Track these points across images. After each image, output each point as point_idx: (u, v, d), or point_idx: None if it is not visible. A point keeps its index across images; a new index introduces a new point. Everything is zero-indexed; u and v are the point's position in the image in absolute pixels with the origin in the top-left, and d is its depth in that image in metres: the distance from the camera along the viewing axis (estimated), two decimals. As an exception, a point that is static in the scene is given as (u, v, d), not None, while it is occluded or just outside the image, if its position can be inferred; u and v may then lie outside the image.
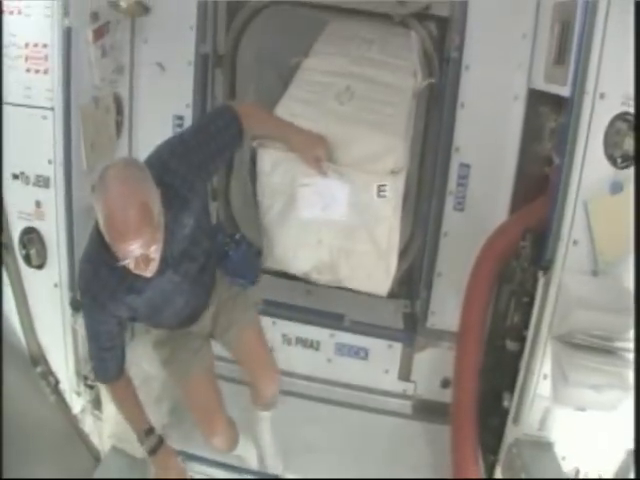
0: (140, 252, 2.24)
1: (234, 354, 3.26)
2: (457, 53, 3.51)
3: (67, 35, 2.98)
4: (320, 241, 2.97)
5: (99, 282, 2.53)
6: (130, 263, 2.29)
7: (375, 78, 3.21)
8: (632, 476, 2.86)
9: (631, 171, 2.59)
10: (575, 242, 2.76)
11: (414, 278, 4.14)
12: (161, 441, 3.04)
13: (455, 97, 3.57)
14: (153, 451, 3.01)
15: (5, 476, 3.03)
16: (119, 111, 3.66)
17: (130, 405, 3.00)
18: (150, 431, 3.00)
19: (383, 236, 2.91)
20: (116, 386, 2.93)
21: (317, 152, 2.74)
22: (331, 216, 2.88)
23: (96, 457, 3.78)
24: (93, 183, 2.42)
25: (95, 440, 3.79)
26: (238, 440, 3.41)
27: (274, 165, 2.85)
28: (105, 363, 2.83)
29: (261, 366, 3.24)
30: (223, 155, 2.73)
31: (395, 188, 2.80)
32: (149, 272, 2.36)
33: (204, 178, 2.66)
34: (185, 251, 2.61)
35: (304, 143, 2.76)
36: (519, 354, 3.15)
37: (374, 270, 3.03)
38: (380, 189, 2.76)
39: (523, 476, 2.98)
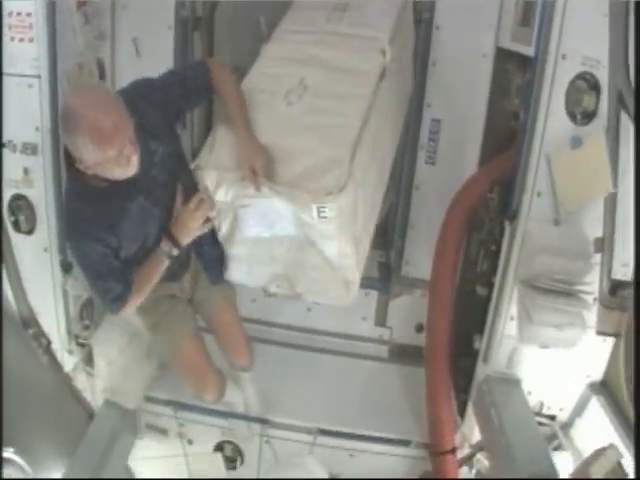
0: (120, 148, 2.32)
1: (209, 326, 3.41)
2: (428, 14, 3.60)
3: (51, 4, 3.00)
4: (273, 257, 2.79)
5: (82, 216, 2.57)
6: (111, 167, 2.38)
7: (336, 63, 2.97)
8: (590, 409, 3.09)
9: (590, 127, 2.73)
10: (539, 194, 2.91)
11: (388, 229, 4.25)
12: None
13: (427, 56, 3.67)
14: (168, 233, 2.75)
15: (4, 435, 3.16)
16: (102, 76, 3.67)
17: (149, 279, 2.85)
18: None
19: (332, 254, 2.68)
20: (132, 301, 2.83)
21: (254, 164, 2.51)
22: (279, 233, 2.68)
23: (89, 412, 3.91)
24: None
25: (88, 396, 3.90)
26: (225, 388, 3.57)
27: (216, 186, 2.61)
28: (113, 291, 2.75)
29: (234, 343, 3.44)
30: (188, 101, 2.78)
31: (338, 208, 2.49)
32: (130, 170, 2.44)
33: (169, 118, 2.72)
34: (156, 178, 2.66)
35: (244, 150, 2.58)
36: (488, 298, 3.33)
37: (331, 284, 2.82)
38: (320, 210, 2.48)
39: (492, 411, 3.17)
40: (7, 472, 3.16)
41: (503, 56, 3.53)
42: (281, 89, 2.84)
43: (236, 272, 2.93)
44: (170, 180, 2.75)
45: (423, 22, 3.62)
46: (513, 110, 3.50)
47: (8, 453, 3.15)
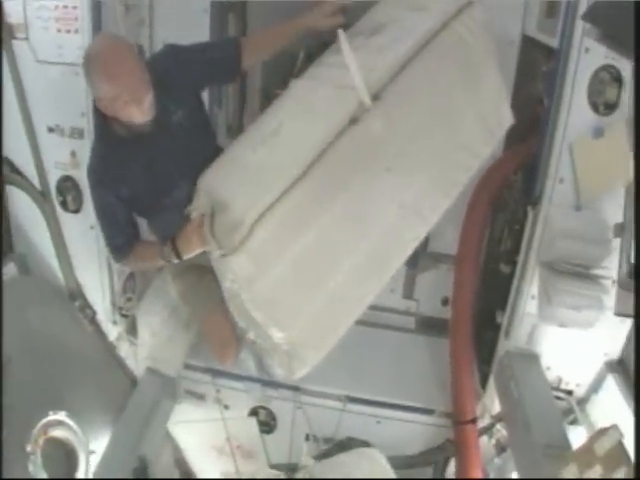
0: (131, 86, 2.52)
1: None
2: None
3: None
4: None
5: (100, 163, 2.80)
6: (125, 106, 2.56)
7: (307, 102, 2.70)
8: (605, 387, 3.19)
9: (611, 118, 2.78)
10: (561, 180, 3.00)
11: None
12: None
13: None
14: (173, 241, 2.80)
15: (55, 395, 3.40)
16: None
17: (147, 261, 3.04)
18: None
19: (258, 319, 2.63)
20: (130, 260, 3.01)
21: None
22: None
23: (132, 379, 4.13)
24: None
25: (131, 363, 4.12)
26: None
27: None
28: (114, 240, 2.94)
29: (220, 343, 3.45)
30: (214, 68, 2.91)
31: (232, 271, 2.49)
32: (144, 113, 2.62)
33: (192, 81, 2.86)
34: (174, 137, 2.80)
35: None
36: (511, 276, 3.44)
37: (274, 349, 2.77)
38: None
39: (512, 384, 3.30)
40: (60, 433, 3.40)
41: (529, 43, 3.56)
42: (265, 132, 2.67)
43: None
44: (190, 144, 2.86)
45: None
46: (538, 95, 3.53)
47: (61, 416, 3.40)
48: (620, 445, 2.35)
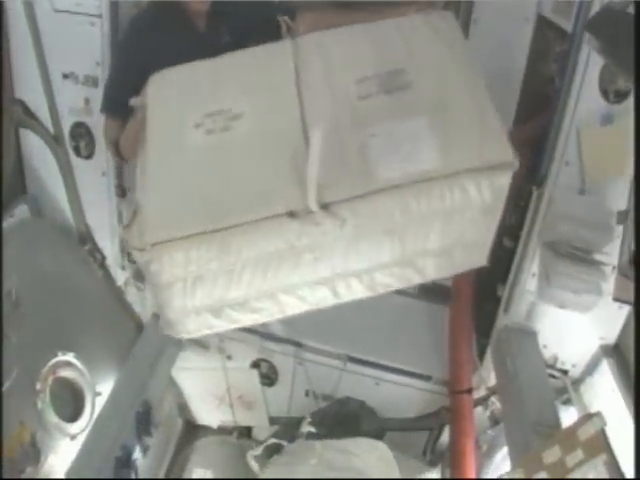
0: None
1: None
2: None
3: None
4: None
5: (151, 29, 2.88)
6: None
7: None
8: (600, 370, 3.21)
9: (621, 107, 2.74)
10: (567, 163, 2.97)
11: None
12: None
13: (469, 13, 3.57)
14: None
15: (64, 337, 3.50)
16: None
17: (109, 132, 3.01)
18: None
19: None
20: (107, 123, 2.99)
21: None
22: None
23: (139, 324, 4.25)
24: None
25: (138, 308, 4.23)
26: None
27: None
28: (112, 90, 2.96)
29: None
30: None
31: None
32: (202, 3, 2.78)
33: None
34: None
35: None
36: (514, 250, 3.42)
37: None
38: None
39: (508, 359, 3.34)
40: (68, 373, 3.54)
41: (544, 22, 3.43)
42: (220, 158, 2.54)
43: None
44: None
45: None
46: (550, 75, 3.45)
47: (69, 357, 3.53)
48: (602, 432, 2.39)
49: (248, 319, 2.63)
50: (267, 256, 2.38)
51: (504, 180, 2.32)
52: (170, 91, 2.66)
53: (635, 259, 2.47)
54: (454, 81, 2.49)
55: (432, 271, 2.61)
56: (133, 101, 2.68)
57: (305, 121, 2.45)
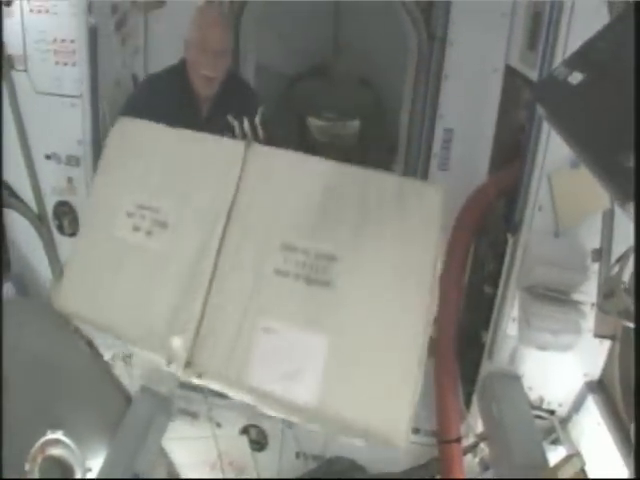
0: (217, 43, 3.04)
1: None
2: (442, 31, 3.76)
3: (92, 32, 3.27)
4: None
5: (144, 104, 3.14)
6: (202, 61, 3.05)
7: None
8: (586, 407, 3.26)
9: None
10: (540, 208, 3.07)
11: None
12: None
13: (440, 70, 3.83)
14: None
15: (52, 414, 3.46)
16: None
17: None
18: None
19: None
20: None
21: None
22: None
23: (127, 397, 4.11)
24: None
25: (125, 381, 4.15)
26: None
27: None
28: None
29: None
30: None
31: None
32: (210, 83, 3.12)
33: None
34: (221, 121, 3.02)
35: None
36: (495, 297, 3.50)
37: None
38: None
39: (493, 405, 3.36)
40: (58, 451, 3.45)
41: (512, 72, 3.64)
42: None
43: None
44: None
45: (437, 39, 3.79)
46: (521, 122, 3.61)
47: (58, 435, 3.46)
48: (582, 472, 2.46)
49: None
50: None
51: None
52: (126, 153, 2.77)
53: (636, 279, 2.57)
54: (390, 308, 2.33)
55: None
56: None
57: (217, 264, 2.53)
